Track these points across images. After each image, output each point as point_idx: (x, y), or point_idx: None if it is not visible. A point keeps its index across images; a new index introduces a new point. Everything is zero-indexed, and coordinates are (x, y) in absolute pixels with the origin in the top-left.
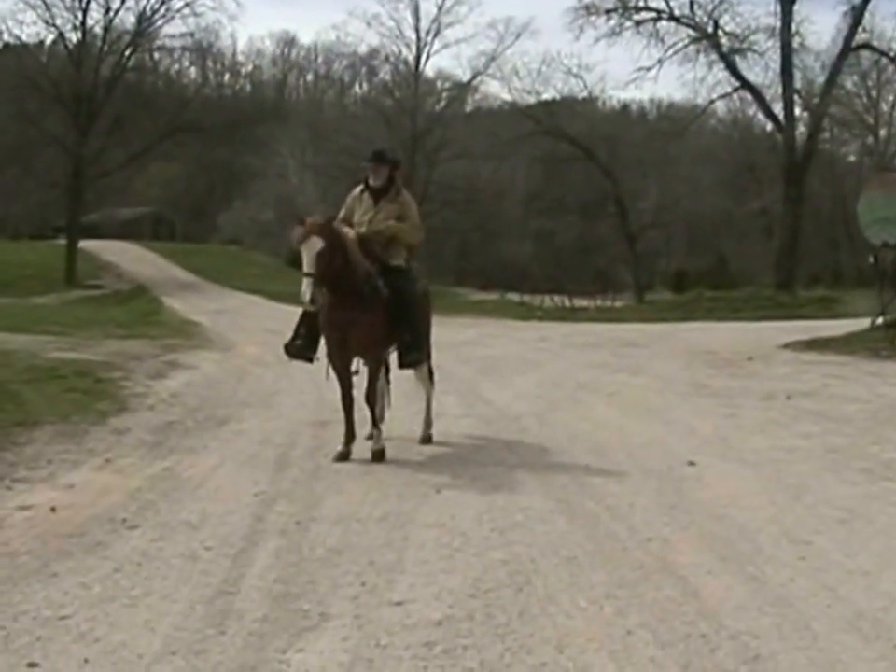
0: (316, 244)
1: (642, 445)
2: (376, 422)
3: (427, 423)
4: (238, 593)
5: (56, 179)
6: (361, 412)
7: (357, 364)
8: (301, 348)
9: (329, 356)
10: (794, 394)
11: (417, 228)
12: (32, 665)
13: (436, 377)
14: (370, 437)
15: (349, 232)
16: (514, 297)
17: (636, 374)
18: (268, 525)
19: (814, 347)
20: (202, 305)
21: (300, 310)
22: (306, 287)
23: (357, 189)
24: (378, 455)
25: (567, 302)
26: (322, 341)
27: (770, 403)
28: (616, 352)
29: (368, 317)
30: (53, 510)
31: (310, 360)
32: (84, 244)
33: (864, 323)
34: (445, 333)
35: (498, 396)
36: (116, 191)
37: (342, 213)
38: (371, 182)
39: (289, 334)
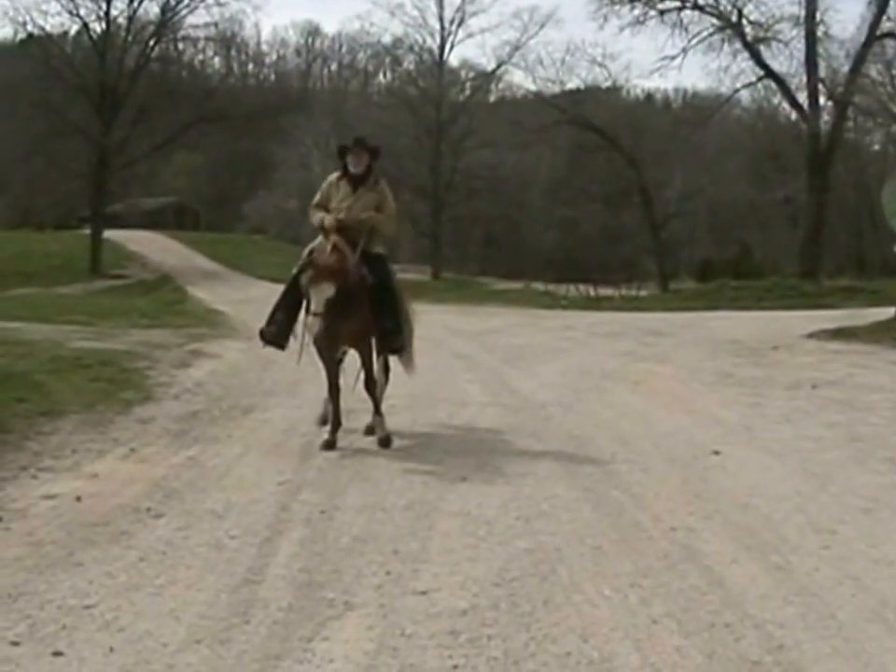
0: (327, 290)
1: (667, 434)
2: (379, 409)
3: (381, 422)
4: (263, 582)
5: (80, 169)
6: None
7: (340, 352)
8: (275, 335)
9: (319, 345)
10: (819, 383)
11: (394, 218)
12: (57, 653)
13: (391, 375)
14: (369, 432)
15: (346, 251)
16: (539, 286)
17: (661, 363)
18: (292, 513)
19: (839, 336)
20: (226, 294)
21: None
22: (312, 322)
23: (334, 176)
24: (385, 442)
25: (591, 291)
26: (298, 328)
27: (795, 392)
28: (641, 341)
29: (357, 307)
30: (78, 499)
31: (282, 348)
32: (109, 233)
33: (890, 312)
34: (470, 322)
35: (523, 384)
36: (140, 181)
37: (317, 198)
38: (351, 169)
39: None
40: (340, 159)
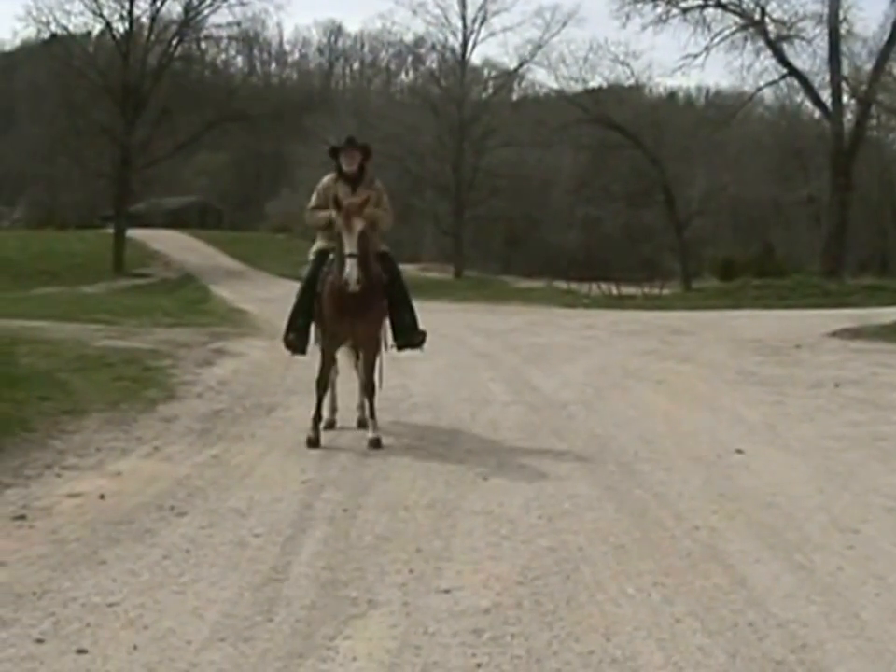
0: (358, 224)
1: (690, 433)
2: (374, 412)
3: (374, 424)
4: (286, 580)
5: (104, 169)
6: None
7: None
8: (299, 341)
9: (331, 340)
10: (842, 382)
11: (391, 214)
12: (81, 651)
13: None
14: (329, 426)
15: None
16: (561, 285)
17: (683, 362)
18: (316, 512)
19: (862, 335)
20: (249, 293)
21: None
22: (351, 269)
23: (329, 178)
24: (375, 443)
25: (613, 290)
26: (313, 329)
27: (818, 391)
28: (663, 339)
29: (378, 305)
30: (102, 497)
31: (304, 353)
32: (132, 233)
33: None
34: (492, 321)
35: (546, 383)
36: (163, 181)
37: (314, 201)
38: (344, 167)
39: None
40: (333, 159)
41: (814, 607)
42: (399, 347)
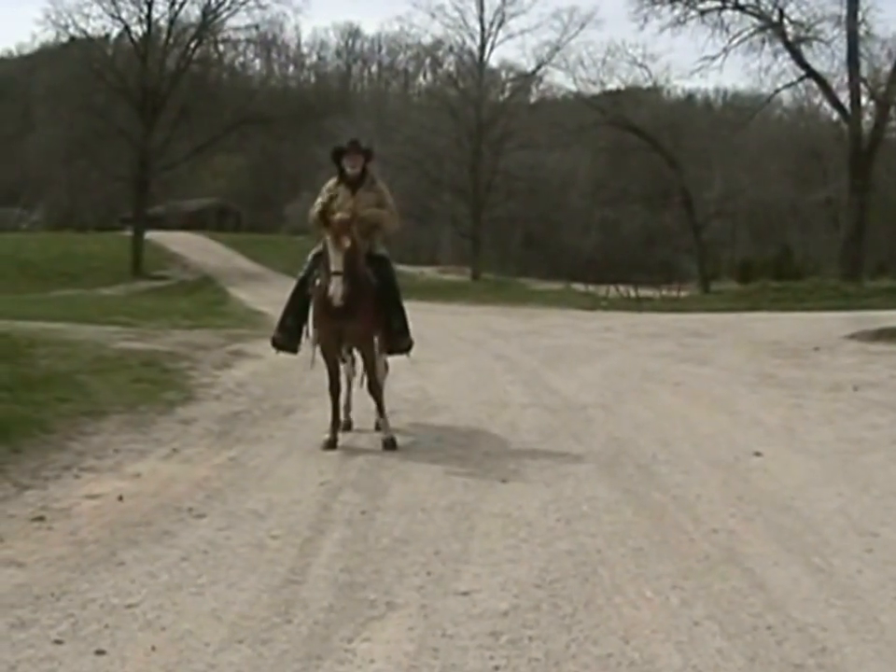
0: (345, 242)
1: (708, 436)
2: (382, 411)
3: (385, 423)
4: (304, 582)
5: (122, 171)
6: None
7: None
8: (287, 340)
9: (325, 345)
10: (861, 385)
11: (396, 216)
12: (100, 652)
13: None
14: (347, 427)
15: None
16: (579, 287)
17: (701, 364)
18: (334, 514)
19: (881, 338)
20: (267, 295)
21: None
22: (335, 287)
23: (332, 181)
24: (390, 444)
25: (631, 292)
26: (309, 331)
27: (837, 394)
28: (681, 342)
29: (364, 307)
30: (120, 499)
31: (295, 351)
32: (150, 235)
33: None
34: (510, 323)
35: (564, 385)
36: (181, 183)
37: (317, 204)
38: (347, 170)
39: None
40: (335, 162)
41: (833, 610)
42: (389, 352)
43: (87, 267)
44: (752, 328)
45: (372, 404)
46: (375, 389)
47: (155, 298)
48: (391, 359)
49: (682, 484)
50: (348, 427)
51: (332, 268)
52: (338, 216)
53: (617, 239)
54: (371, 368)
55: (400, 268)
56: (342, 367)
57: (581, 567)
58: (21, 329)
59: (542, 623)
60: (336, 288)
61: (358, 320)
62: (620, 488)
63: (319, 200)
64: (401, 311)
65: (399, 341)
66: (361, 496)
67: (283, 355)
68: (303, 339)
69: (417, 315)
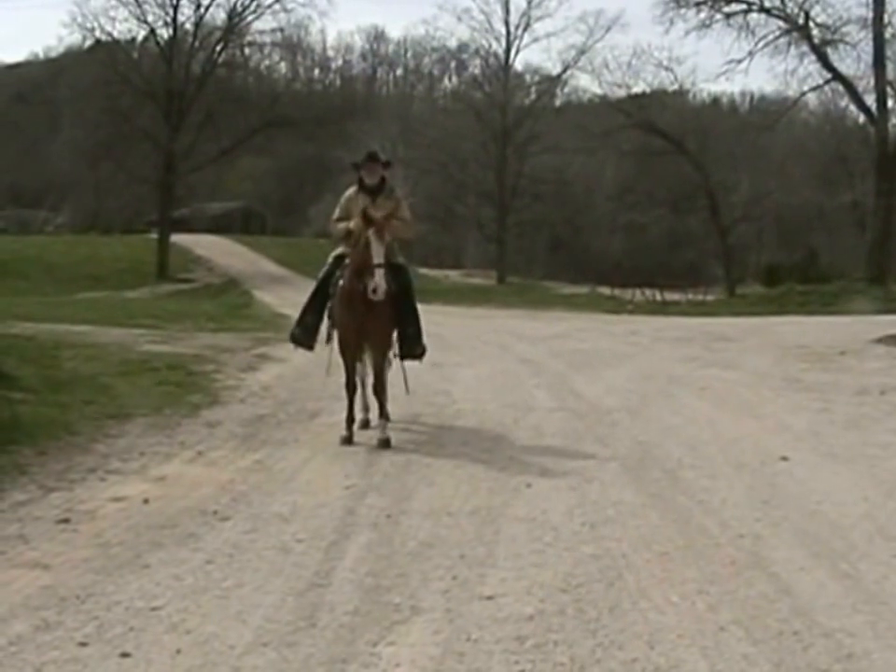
0: (385, 237)
1: (734, 440)
2: (385, 413)
3: (384, 424)
4: (329, 585)
5: (148, 174)
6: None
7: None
8: (305, 336)
9: (343, 344)
10: (888, 389)
11: (412, 224)
12: (125, 654)
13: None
14: (364, 425)
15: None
16: (605, 291)
17: (727, 368)
18: (359, 517)
19: None
20: (292, 298)
21: None
22: (379, 279)
23: (352, 190)
24: (385, 443)
25: (657, 296)
26: (324, 330)
27: (863, 398)
28: (707, 346)
29: (384, 309)
30: (146, 501)
31: (311, 348)
32: (175, 238)
33: None
34: (536, 327)
35: (590, 389)
36: (207, 186)
37: (337, 213)
38: (366, 181)
39: None
40: (355, 172)
41: (860, 616)
42: (402, 357)
43: (112, 269)
44: (779, 331)
45: (401, 402)
46: (381, 392)
47: (180, 301)
48: (408, 364)
49: (708, 489)
50: (365, 425)
51: (375, 261)
52: (379, 214)
53: (643, 243)
54: (379, 370)
55: (425, 271)
56: (358, 367)
57: (606, 571)
58: (47, 332)
59: (567, 627)
60: (380, 280)
61: (377, 320)
62: (645, 492)
63: (338, 210)
64: (416, 318)
65: (412, 347)
66: (386, 499)
67: (306, 359)
68: (319, 338)
69: (442, 318)
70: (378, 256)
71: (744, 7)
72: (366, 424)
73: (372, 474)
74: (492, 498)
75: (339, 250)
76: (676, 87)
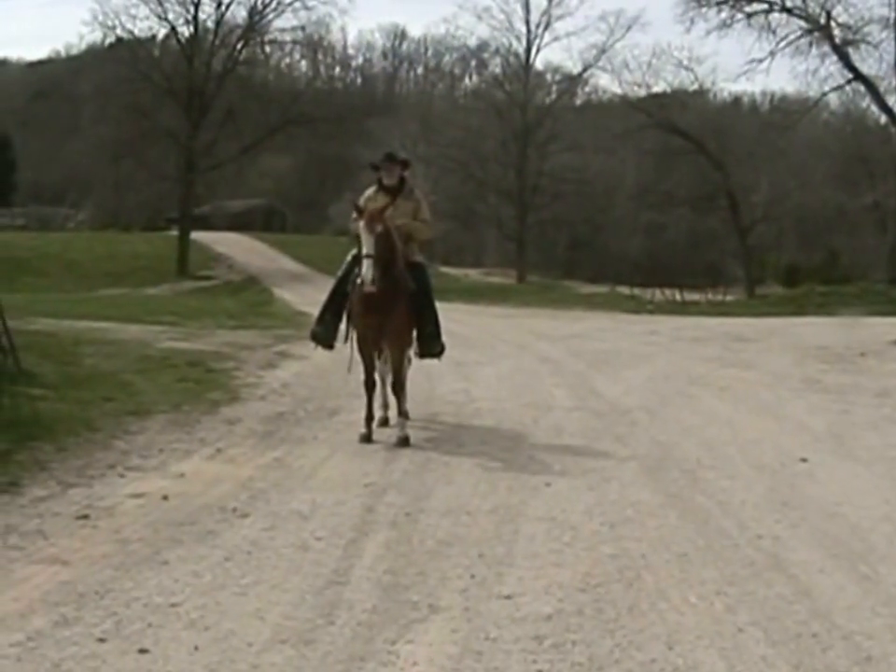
0: (376, 227)
1: (754, 441)
2: (403, 410)
3: (403, 423)
4: (348, 583)
5: (168, 172)
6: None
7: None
8: (324, 333)
9: (361, 341)
10: None
11: (430, 225)
12: (143, 650)
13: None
14: (383, 423)
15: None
16: (624, 290)
17: (747, 369)
18: (378, 515)
19: None
20: (312, 296)
21: None
22: (367, 269)
23: (371, 190)
24: (404, 441)
25: (677, 296)
26: (344, 329)
27: (883, 400)
28: (727, 346)
29: (401, 307)
30: (165, 498)
31: (331, 346)
32: (196, 235)
33: None
34: (555, 326)
35: (609, 389)
36: (227, 183)
37: (355, 213)
38: (385, 181)
39: None
40: (374, 173)
41: (879, 619)
42: (421, 356)
43: (132, 266)
44: (798, 332)
45: (420, 400)
46: (399, 390)
47: (200, 298)
48: (427, 362)
49: (727, 490)
50: (385, 423)
51: (364, 251)
52: (370, 205)
53: (663, 242)
54: (398, 367)
55: (444, 270)
56: (378, 365)
57: (625, 571)
58: (68, 329)
59: (586, 627)
60: (367, 271)
61: (395, 317)
62: (664, 493)
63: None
64: (435, 316)
65: (431, 345)
66: (405, 498)
67: (326, 357)
68: (339, 336)
69: (462, 316)
70: (368, 246)
71: (765, 6)
72: (385, 422)
73: (391, 472)
74: (511, 497)
75: (356, 250)
76: (696, 86)
